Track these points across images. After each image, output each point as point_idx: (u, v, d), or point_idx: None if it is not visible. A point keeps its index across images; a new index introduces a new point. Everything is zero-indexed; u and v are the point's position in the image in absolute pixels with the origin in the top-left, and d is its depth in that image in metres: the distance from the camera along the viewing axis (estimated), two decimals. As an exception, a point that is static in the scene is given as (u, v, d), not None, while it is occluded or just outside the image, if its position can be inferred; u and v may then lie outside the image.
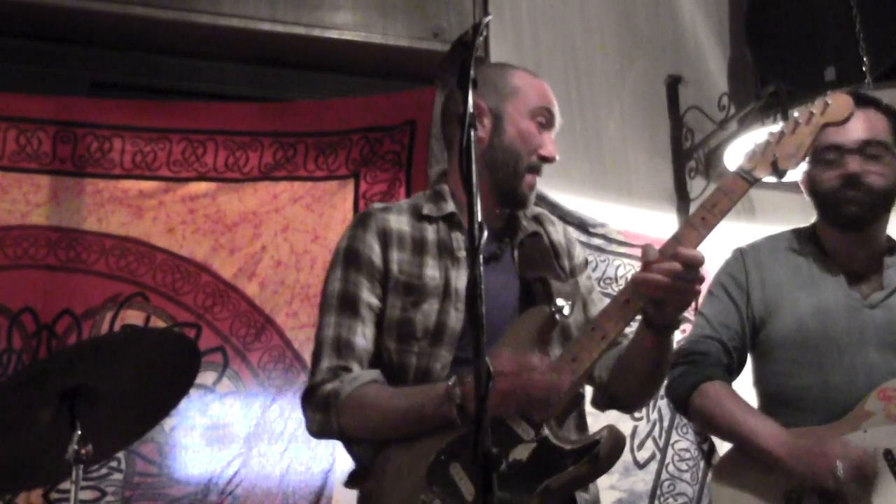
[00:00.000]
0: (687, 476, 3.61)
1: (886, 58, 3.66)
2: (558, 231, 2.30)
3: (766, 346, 2.48)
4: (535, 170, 2.15)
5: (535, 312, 2.06)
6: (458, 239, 2.14)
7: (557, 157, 2.17)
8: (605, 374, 2.15)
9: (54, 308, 3.13)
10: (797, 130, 2.09)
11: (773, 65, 3.88)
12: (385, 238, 2.13)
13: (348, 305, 2.09)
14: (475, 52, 1.66)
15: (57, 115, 3.27)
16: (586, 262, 2.34)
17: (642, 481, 3.56)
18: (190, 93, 3.66)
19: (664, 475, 3.60)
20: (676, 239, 1.97)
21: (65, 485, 2.95)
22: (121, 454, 3.06)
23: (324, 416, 2.02)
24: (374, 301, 2.09)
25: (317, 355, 2.10)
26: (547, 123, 2.18)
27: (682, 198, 3.98)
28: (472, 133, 1.58)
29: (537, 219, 2.29)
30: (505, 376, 1.80)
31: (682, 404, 2.45)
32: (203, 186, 3.37)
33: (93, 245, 3.22)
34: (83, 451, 2.29)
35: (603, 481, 3.53)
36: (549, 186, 3.72)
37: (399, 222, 2.16)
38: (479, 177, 2.12)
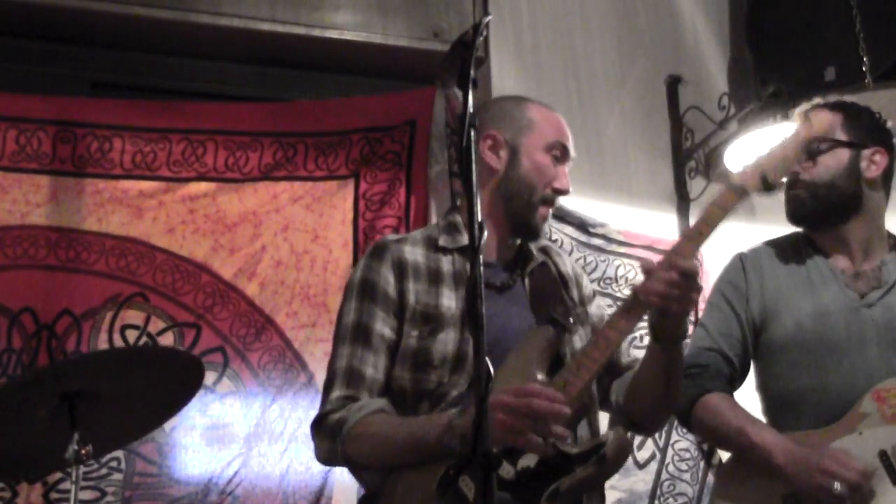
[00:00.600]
0: (687, 476, 3.61)
1: (886, 58, 3.66)
2: (566, 263, 2.35)
3: (766, 351, 2.50)
4: (549, 202, 2.21)
5: (539, 331, 2.10)
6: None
7: (570, 191, 2.23)
8: (620, 398, 2.19)
9: (54, 308, 3.13)
10: (784, 145, 2.16)
11: (773, 65, 3.87)
12: (401, 269, 2.16)
13: (361, 336, 2.13)
14: (475, 52, 1.66)
15: (57, 115, 3.27)
16: (595, 293, 2.38)
17: (642, 481, 3.56)
18: (190, 93, 3.66)
19: (664, 475, 3.60)
20: (674, 251, 2.06)
21: (65, 485, 2.95)
22: (121, 454, 3.07)
23: (331, 445, 2.07)
24: (388, 332, 2.13)
25: (328, 385, 2.14)
26: (562, 157, 2.23)
27: (682, 198, 3.97)
28: (472, 133, 1.58)
29: (544, 250, 2.33)
30: (507, 411, 1.85)
31: (684, 418, 2.48)
32: (203, 186, 3.37)
33: (93, 245, 3.22)
34: (83, 452, 2.29)
35: (603, 481, 3.54)
36: (549, 186, 3.73)
37: (414, 253, 2.19)
38: (494, 207, 2.20)
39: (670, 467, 3.60)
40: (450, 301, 2.14)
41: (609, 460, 1.92)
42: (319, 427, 2.11)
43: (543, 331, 2.10)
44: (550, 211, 2.23)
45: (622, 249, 3.77)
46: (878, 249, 2.51)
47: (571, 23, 4.06)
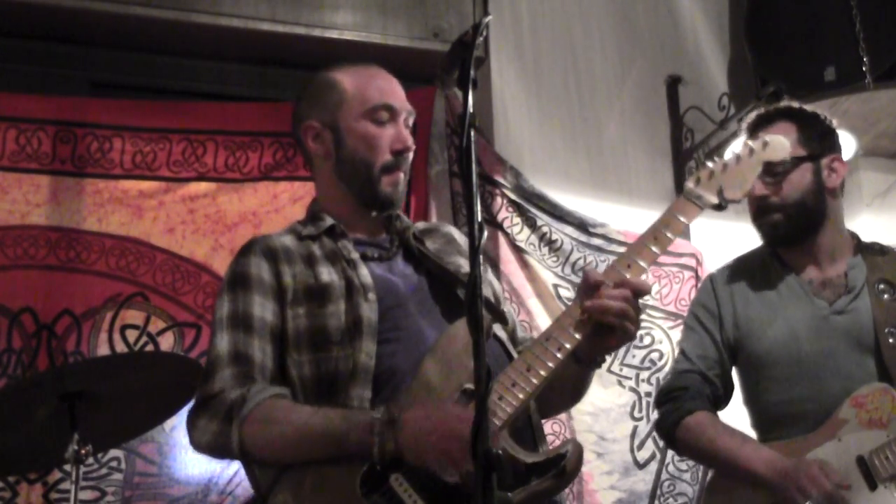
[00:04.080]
0: (687, 476, 3.61)
1: (886, 58, 3.66)
2: (452, 231, 2.25)
3: (746, 368, 2.55)
4: (392, 168, 2.07)
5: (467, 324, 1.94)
6: (346, 245, 2.07)
7: (411, 144, 2.08)
8: None
9: (54, 308, 3.13)
10: (740, 163, 2.09)
11: (773, 65, 3.87)
12: (273, 255, 2.02)
13: (241, 323, 1.94)
14: (475, 52, 1.66)
15: (57, 115, 3.27)
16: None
17: (642, 481, 3.56)
18: (190, 93, 3.66)
19: (664, 475, 3.60)
20: (627, 259, 1.93)
21: (65, 485, 2.95)
22: (121, 454, 3.06)
23: (221, 428, 1.83)
24: (269, 316, 1.96)
25: (210, 369, 1.91)
26: (390, 117, 2.09)
27: (682, 198, 3.97)
28: (472, 133, 1.58)
29: (430, 230, 2.22)
30: (426, 434, 1.70)
31: (670, 441, 2.52)
32: (203, 186, 3.37)
33: (93, 245, 3.22)
34: (83, 452, 2.29)
35: (603, 481, 3.55)
36: (549, 186, 3.73)
37: (283, 241, 2.07)
38: (339, 192, 2.09)
39: (670, 467, 3.60)
40: (330, 276, 1.99)
41: (568, 474, 1.78)
42: (205, 408, 1.86)
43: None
44: (401, 174, 2.08)
45: (622, 249, 3.76)
46: (842, 253, 2.55)
47: (571, 23, 4.06)
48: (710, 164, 2.07)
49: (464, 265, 2.12)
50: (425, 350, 1.92)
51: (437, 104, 3.54)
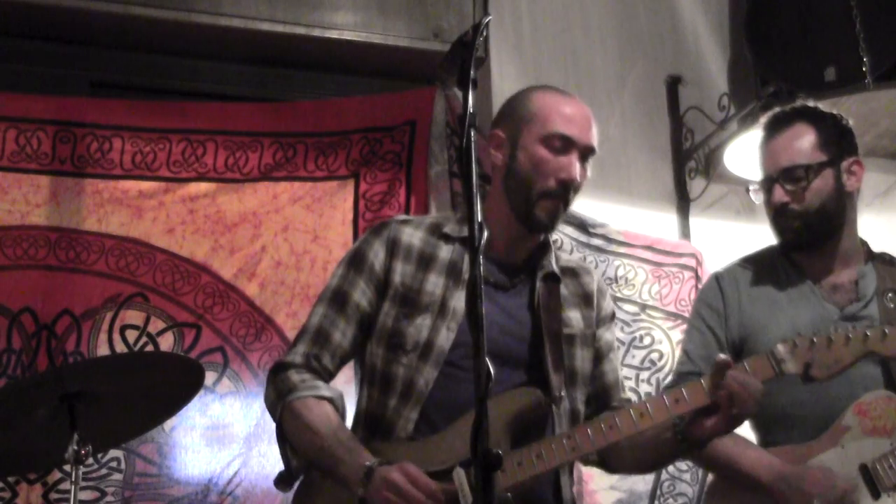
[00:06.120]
0: (687, 476, 3.61)
1: (886, 58, 3.65)
2: (593, 281, 2.31)
3: None
4: (552, 195, 2.14)
5: (524, 394, 2.07)
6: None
7: (577, 177, 2.15)
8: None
9: (54, 308, 3.13)
10: (848, 345, 2.08)
11: (773, 65, 3.87)
12: (393, 247, 2.18)
13: (338, 301, 2.18)
14: (475, 52, 1.66)
15: (57, 115, 3.26)
16: (613, 316, 2.35)
17: (642, 481, 3.55)
18: (190, 93, 3.66)
19: (664, 475, 3.60)
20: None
21: (65, 485, 2.95)
22: (121, 454, 3.06)
23: (275, 401, 2.12)
24: (364, 304, 2.17)
25: (298, 337, 2.20)
26: (563, 148, 2.14)
27: (682, 198, 3.97)
28: (472, 133, 1.58)
29: (573, 271, 2.29)
30: (395, 491, 1.88)
31: None
32: (203, 187, 3.37)
33: (93, 245, 3.22)
34: (82, 452, 2.29)
35: (603, 481, 3.54)
36: (549, 186, 3.72)
37: (412, 236, 2.20)
38: (500, 204, 2.18)
39: (670, 467, 3.60)
40: (434, 287, 2.14)
41: None
42: (277, 375, 2.14)
43: (529, 393, 2.06)
44: (560, 204, 2.16)
45: (622, 250, 3.76)
46: (854, 259, 2.53)
47: (571, 23, 4.06)
48: (815, 338, 2.07)
49: (574, 323, 2.21)
50: None
51: (437, 104, 3.53)
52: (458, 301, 2.11)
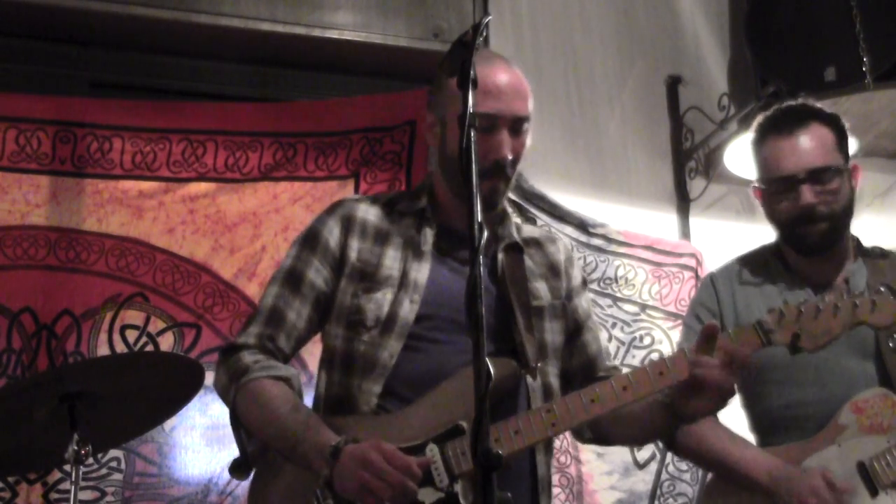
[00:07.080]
0: (687, 476, 3.61)
1: (886, 58, 3.65)
2: (559, 250, 2.26)
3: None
4: (487, 176, 2.01)
5: (500, 364, 1.92)
6: (427, 234, 2.11)
7: (510, 156, 2.03)
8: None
9: (54, 308, 3.13)
10: (836, 315, 2.04)
11: (773, 65, 3.87)
12: (348, 224, 2.13)
13: (292, 281, 2.10)
14: (475, 52, 1.66)
15: (57, 115, 3.27)
16: (584, 283, 2.29)
17: (642, 481, 3.55)
18: (190, 93, 3.66)
19: (664, 475, 3.60)
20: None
21: (65, 485, 2.95)
22: (121, 454, 3.07)
23: (227, 385, 2.03)
24: (320, 282, 2.10)
25: (250, 318, 2.12)
26: (489, 127, 2.02)
27: (682, 198, 3.97)
28: (472, 133, 1.58)
29: (537, 241, 2.24)
30: (373, 471, 1.80)
31: (670, 445, 2.51)
32: (203, 187, 3.37)
33: (93, 245, 3.22)
34: (82, 452, 2.29)
35: (603, 481, 3.54)
36: (550, 186, 3.72)
37: (367, 212, 2.15)
38: (443, 182, 2.12)
39: (670, 467, 3.60)
40: (393, 262, 2.08)
41: None
42: (229, 357, 2.05)
43: (505, 364, 1.97)
44: (499, 183, 2.05)
45: (622, 249, 3.76)
46: (847, 257, 2.53)
47: (571, 23, 4.06)
48: (802, 307, 2.03)
49: (541, 294, 2.14)
50: (447, 368, 1.96)
51: (437, 104, 3.53)
52: (419, 273, 2.06)
